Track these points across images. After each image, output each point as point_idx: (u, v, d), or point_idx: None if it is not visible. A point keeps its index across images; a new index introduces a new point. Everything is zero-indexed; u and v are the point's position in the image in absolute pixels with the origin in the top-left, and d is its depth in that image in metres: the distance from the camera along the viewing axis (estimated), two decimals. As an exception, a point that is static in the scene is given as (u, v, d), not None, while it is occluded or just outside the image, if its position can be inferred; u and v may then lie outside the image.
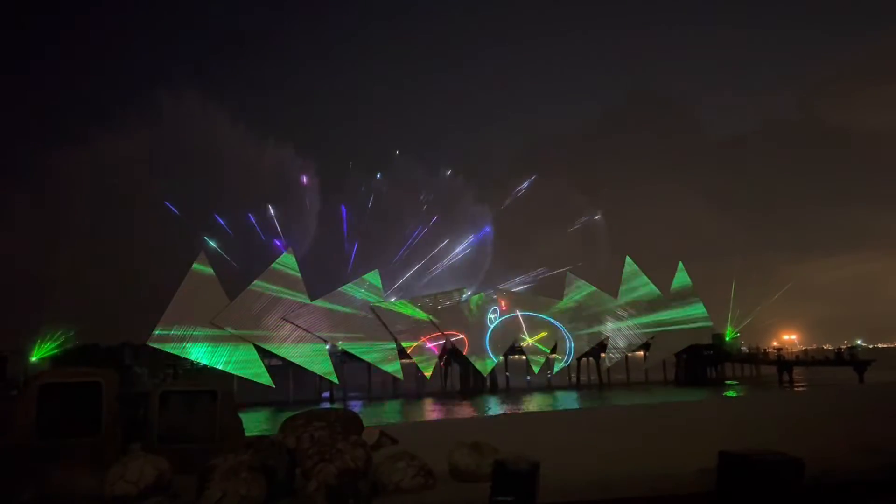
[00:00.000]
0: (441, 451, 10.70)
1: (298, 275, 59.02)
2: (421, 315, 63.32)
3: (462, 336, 63.91)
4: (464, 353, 63.70)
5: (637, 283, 70.88)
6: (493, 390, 64.00)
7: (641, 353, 70.76)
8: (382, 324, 61.42)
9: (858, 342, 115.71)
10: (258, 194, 72.11)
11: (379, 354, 60.88)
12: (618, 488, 9.86)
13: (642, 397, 52.33)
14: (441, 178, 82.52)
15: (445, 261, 73.88)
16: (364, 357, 60.43)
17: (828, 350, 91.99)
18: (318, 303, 59.58)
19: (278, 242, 69.43)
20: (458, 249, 74.65)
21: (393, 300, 64.82)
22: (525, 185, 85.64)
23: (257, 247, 69.19)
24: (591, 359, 70.38)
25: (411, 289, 70.21)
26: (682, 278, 71.81)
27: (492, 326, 64.81)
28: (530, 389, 63.69)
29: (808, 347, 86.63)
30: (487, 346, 64.19)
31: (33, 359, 51.38)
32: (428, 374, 62.42)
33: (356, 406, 50.01)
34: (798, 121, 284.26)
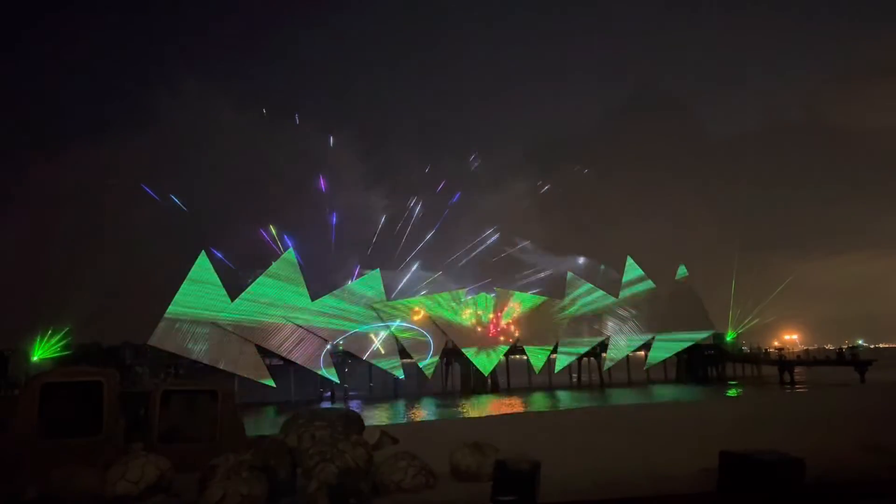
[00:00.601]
0: (442, 450, 10.72)
1: (300, 274, 59.07)
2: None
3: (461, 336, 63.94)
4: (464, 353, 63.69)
5: (638, 282, 70.86)
6: (495, 390, 63.95)
7: (642, 352, 70.72)
8: (385, 324, 61.44)
9: (860, 342, 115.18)
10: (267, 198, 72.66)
11: (380, 354, 60.88)
12: (619, 488, 9.85)
13: (643, 397, 52.31)
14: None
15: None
16: (365, 357, 60.43)
17: (829, 350, 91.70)
18: (321, 301, 59.66)
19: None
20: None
21: (395, 299, 64.85)
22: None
23: (258, 246, 69.20)
24: (592, 358, 70.34)
25: (413, 288, 70.38)
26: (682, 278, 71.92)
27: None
28: (531, 389, 63.63)
29: (810, 347, 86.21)
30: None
31: (34, 358, 51.37)
32: (429, 373, 62.40)
33: (357, 406, 49.98)
34: (798, 121, 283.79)
